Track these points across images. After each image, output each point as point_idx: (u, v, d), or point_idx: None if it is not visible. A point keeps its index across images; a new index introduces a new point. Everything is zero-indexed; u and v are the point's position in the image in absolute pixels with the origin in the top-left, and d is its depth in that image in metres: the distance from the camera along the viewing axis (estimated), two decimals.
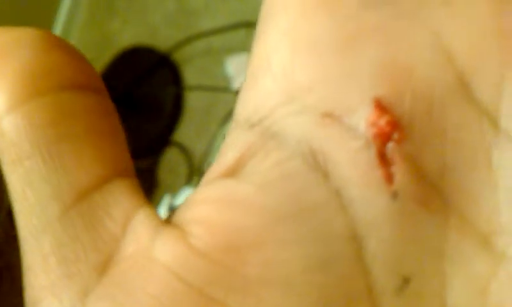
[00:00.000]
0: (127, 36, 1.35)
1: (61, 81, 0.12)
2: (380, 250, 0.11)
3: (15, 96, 0.12)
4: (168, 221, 0.12)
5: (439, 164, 0.12)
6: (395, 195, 0.11)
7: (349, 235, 0.11)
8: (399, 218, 0.11)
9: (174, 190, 1.08)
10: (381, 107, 0.12)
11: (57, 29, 1.42)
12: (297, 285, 0.11)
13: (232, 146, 0.13)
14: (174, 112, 1.22)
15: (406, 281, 0.11)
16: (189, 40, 1.23)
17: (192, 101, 1.22)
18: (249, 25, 1.06)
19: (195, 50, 1.23)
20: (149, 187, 1.21)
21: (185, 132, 1.21)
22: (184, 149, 1.19)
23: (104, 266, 0.11)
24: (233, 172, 0.12)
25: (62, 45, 0.12)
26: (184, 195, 0.96)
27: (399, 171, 0.11)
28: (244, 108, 0.13)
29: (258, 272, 0.11)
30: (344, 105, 0.12)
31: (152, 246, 0.11)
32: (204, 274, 0.11)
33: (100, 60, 1.34)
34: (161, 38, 1.29)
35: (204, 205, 0.12)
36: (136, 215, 0.12)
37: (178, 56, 1.25)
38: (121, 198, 0.12)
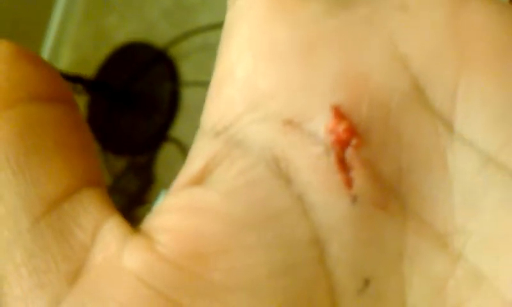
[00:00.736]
0: (124, 31, 1.35)
1: (28, 93, 0.12)
2: (341, 253, 0.12)
3: None
4: (137, 230, 0.12)
5: (396, 168, 0.12)
6: (354, 199, 0.12)
7: (312, 239, 0.12)
8: (358, 221, 0.12)
9: (171, 186, 1.08)
10: (339, 114, 0.12)
11: (54, 25, 1.42)
12: (262, 290, 0.11)
13: (198, 155, 0.13)
14: (171, 108, 1.22)
15: (366, 282, 0.12)
16: (185, 36, 1.22)
17: (189, 97, 1.22)
18: None
19: (192, 45, 1.22)
20: (146, 182, 1.21)
21: (181, 128, 1.21)
22: (180, 145, 1.19)
23: (74, 275, 0.11)
24: (199, 180, 0.13)
25: (29, 57, 0.13)
26: None
27: (358, 175, 0.12)
28: (210, 116, 0.13)
29: (224, 277, 0.11)
30: (304, 112, 0.12)
31: (121, 254, 0.11)
32: (171, 281, 0.11)
33: (97, 56, 1.34)
34: (158, 34, 1.28)
35: (171, 213, 0.12)
36: (105, 224, 0.12)
37: (175, 52, 1.25)
38: (90, 208, 0.12)
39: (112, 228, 0.12)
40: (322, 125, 0.12)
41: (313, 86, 0.12)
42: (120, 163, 1.25)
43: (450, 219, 0.12)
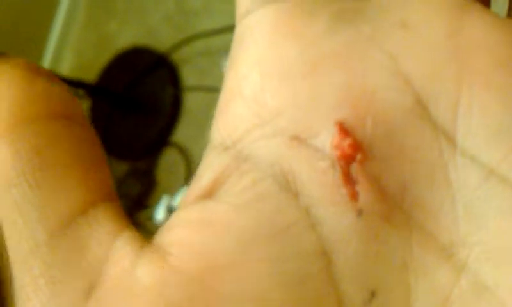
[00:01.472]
0: (126, 36, 1.35)
1: (46, 110, 0.13)
2: (348, 265, 0.12)
3: (1, 124, 0.12)
4: (149, 243, 0.13)
5: (399, 181, 0.12)
6: (360, 212, 0.12)
7: (319, 251, 0.12)
8: (364, 234, 0.12)
9: (172, 191, 1.08)
10: (344, 129, 0.12)
11: (56, 30, 1.42)
12: (271, 302, 0.11)
13: (207, 169, 0.13)
14: (172, 112, 1.22)
15: (372, 294, 0.12)
16: (187, 41, 1.23)
17: (191, 101, 1.22)
18: None
19: (194, 50, 1.23)
20: (147, 187, 1.21)
21: (183, 133, 1.21)
22: (182, 150, 1.19)
23: (89, 288, 0.12)
24: (209, 194, 0.13)
25: (48, 75, 0.13)
26: (182, 196, 0.97)
27: (363, 189, 0.12)
28: (219, 132, 0.14)
29: (234, 289, 0.11)
30: (311, 128, 0.13)
31: (135, 268, 0.12)
32: (184, 293, 0.11)
33: (99, 61, 1.34)
34: (160, 39, 1.29)
35: (183, 227, 0.13)
36: (119, 238, 0.12)
37: (177, 57, 1.25)
38: (105, 222, 0.12)
39: (126, 241, 0.12)
40: (327, 140, 0.13)
41: (319, 102, 0.13)
42: (122, 167, 1.26)
43: (453, 231, 0.12)
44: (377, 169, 0.12)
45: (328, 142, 0.12)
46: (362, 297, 0.12)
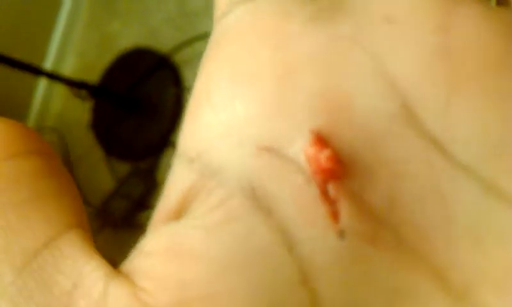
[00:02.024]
0: (128, 37, 1.35)
1: (3, 151, 0.12)
2: (331, 293, 0.11)
3: None
4: (118, 271, 0.12)
5: (385, 198, 0.11)
6: (341, 234, 0.11)
7: (299, 279, 0.11)
8: (347, 258, 0.11)
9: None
10: (320, 139, 0.11)
11: (58, 31, 1.42)
12: None
13: (174, 186, 0.13)
14: (174, 113, 1.22)
15: None
16: (189, 42, 1.23)
17: None
18: None
19: (195, 51, 1.23)
20: (149, 187, 1.21)
21: None
22: None
23: None
24: (178, 214, 0.12)
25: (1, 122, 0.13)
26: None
27: (344, 207, 0.11)
28: (185, 141, 0.13)
29: None
30: (283, 138, 0.11)
31: (105, 301, 0.11)
32: None
33: (101, 61, 1.34)
34: (162, 40, 1.29)
35: (153, 257, 0.12)
36: (86, 268, 0.12)
37: (179, 58, 1.25)
38: (70, 252, 0.12)
39: (93, 271, 0.12)
40: (301, 151, 0.11)
41: (293, 109, 0.11)
42: (124, 168, 1.26)
43: (450, 252, 0.11)
44: (360, 184, 0.11)
45: (302, 154, 0.11)
46: None
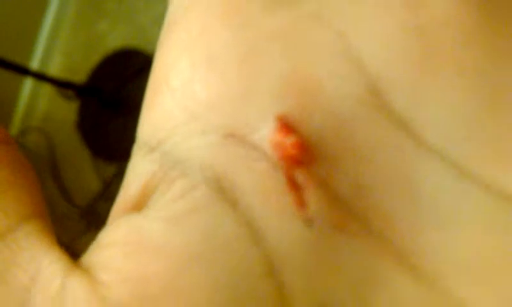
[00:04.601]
0: (115, 37, 1.35)
1: None
2: (299, 283, 0.10)
3: None
4: (78, 263, 0.11)
5: (354, 184, 0.11)
6: (309, 222, 0.10)
7: (266, 270, 0.10)
8: (315, 246, 0.11)
9: None
10: (285, 125, 0.10)
11: (45, 30, 1.41)
12: None
13: (134, 177, 0.12)
14: None
15: None
16: None
17: None
18: None
19: None
20: None
21: None
22: None
23: None
24: (139, 205, 0.12)
25: None
26: None
27: (311, 195, 0.10)
28: (144, 129, 0.12)
29: None
30: (248, 124, 0.11)
31: (63, 296, 0.11)
32: None
33: (89, 61, 1.34)
34: (150, 40, 1.28)
35: (112, 248, 0.11)
36: (44, 260, 0.11)
37: None
38: (28, 245, 0.11)
39: (51, 264, 0.11)
40: (267, 138, 0.11)
41: (257, 93, 0.11)
42: (110, 169, 1.25)
43: (419, 239, 0.11)
44: (327, 171, 0.11)
45: (267, 141, 0.11)
46: None
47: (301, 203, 0.10)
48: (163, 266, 0.10)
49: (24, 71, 1.16)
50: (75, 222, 1.20)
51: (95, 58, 1.34)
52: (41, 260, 0.11)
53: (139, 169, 0.12)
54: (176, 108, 0.11)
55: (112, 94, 1.27)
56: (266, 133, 0.11)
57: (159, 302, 0.10)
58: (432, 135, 0.11)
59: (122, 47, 1.32)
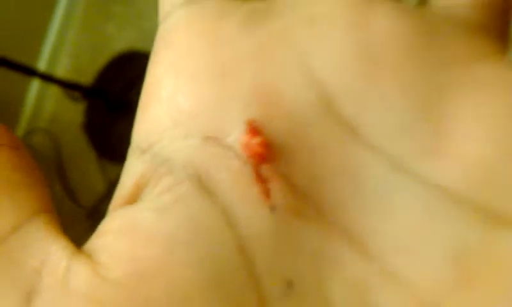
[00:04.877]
0: (122, 40, 1.36)
1: None
2: (265, 260, 0.12)
3: None
4: (80, 250, 0.13)
5: (309, 177, 0.13)
6: (273, 208, 0.13)
7: (238, 250, 0.12)
8: (278, 229, 0.13)
9: None
10: (253, 129, 0.12)
11: (53, 32, 1.42)
12: (195, 303, 0.12)
13: (128, 175, 0.14)
14: None
15: (289, 285, 0.12)
16: None
17: None
18: None
19: None
20: None
21: None
22: None
23: (28, 297, 0.12)
24: (132, 199, 0.14)
25: None
26: None
27: (274, 186, 0.13)
28: (137, 134, 0.14)
29: (160, 294, 0.12)
30: (222, 128, 0.13)
31: (68, 276, 0.13)
32: (113, 299, 0.12)
33: (95, 63, 1.35)
34: None
35: (109, 235, 0.13)
36: (52, 248, 0.13)
37: None
38: (38, 235, 0.13)
39: (58, 250, 0.13)
40: (238, 139, 0.13)
41: (230, 103, 0.13)
42: (116, 170, 1.26)
43: (363, 221, 0.13)
44: (287, 165, 0.13)
45: (239, 142, 0.13)
46: (280, 288, 0.12)
47: (266, 193, 0.13)
48: (153, 248, 0.12)
49: (31, 72, 1.17)
50: (80, 222, 1.21)
51: (101, 60, 1.34)
52: (49, 247, 0.13)
53: (133, 168, 0.14)
54: (164, 116, 0.14)
55: (118, 96, 1.27)
56: (237, 136, 0.13)
57: (149, 279, 0.12)
58: (374, 136, 0.13)
59: (128, 49, 1.33)
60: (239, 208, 0.13)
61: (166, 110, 0.14)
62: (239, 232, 0.13)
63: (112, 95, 1.29)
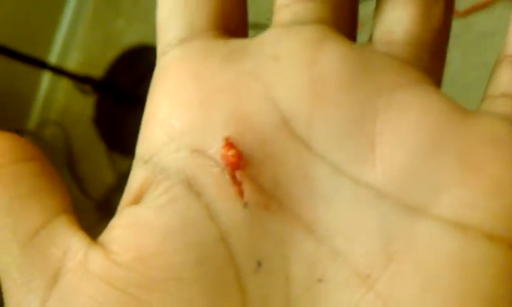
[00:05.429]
0: (132, 34, 1.37)
1: (9, 157, 0.17)
2: (240, 244, 0.16)
3: None
4: (95, 241, 0.17)
5: (273, 180, 0.17)
6: (245, 204, 0.16)
7: (219, 237, 0.16)
8: (250, 220, 0.16)
9: None
10: (229, 143, 0.16)
11: (63, 28, 1.44)
12: (186, 279, 0.16)
13: (134, 181, 0.18)
14: None
15: (259, 263, 0.16)
16: None
17: None
18: (256, 26, 1.06)
19: None
20: None
21: None
22: None
23: (54, 279, 0.16)
24: (137, 200, 0.17)
25: (6, 136, 0.18)
26: None
27: (246, 187, 0.16)
28: (140, 147, 0.18)
29: (159, 273, 0.16)
30: (206, 143, 0.17)
31: (86, 262, 0.16)
32: (124, 278, 0.16)
33: (105, 57, 1.36)
34: None
35: (118, 229, 0.17)
36: (72, 240, 0.17)
37: None
38: (61, 230, 0.17)
39: (77, 241, 0.17)
40: (218, 151, 0.16)
41: (212, 124, 0.17)
42: (126, 163, 1.27)
43: (314, 212, 0.16)
44: (255, 171, 0.17)
45: (218, 153, 0.16)
46: (252, 266, 0.16)
47: (240, 193, 0.16)
48: (152, 238, 0.16)
49: (42, 65, 1.19)
50: (90, 214, 1.22)
51: (111, 54, 1.36)
52: (70, 240, 0.17)
53: (137, 175, 0.18)
54: (161, 134, 0.17)
55: (127, 90, 1.29)
56: (217, 149, 0.17)
57: (150, 261, 0.16)
58: (322, 147, 0.16)
59: (138, 43, 1.34)
60: (219, 205, 0.16)
61: (163, 129, 0.17)
62: (219, 223, 0.16)
63: (122, 88, 1.30)
